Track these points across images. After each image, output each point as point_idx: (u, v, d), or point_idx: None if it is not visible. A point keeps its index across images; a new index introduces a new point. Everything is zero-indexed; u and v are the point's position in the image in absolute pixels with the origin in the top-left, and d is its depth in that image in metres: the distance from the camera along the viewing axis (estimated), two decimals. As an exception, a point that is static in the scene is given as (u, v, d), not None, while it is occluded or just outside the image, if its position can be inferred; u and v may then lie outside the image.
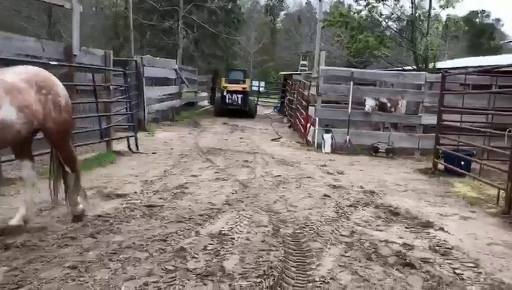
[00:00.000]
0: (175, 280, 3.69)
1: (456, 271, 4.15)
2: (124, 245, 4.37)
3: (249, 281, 3.72)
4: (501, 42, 45.51)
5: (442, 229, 5.46)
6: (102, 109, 9.46)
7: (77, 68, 8.68)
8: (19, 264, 3.80)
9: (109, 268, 3.84)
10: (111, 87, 9.90)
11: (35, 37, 9.61)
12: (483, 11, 62.64)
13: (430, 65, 18.00)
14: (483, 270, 4.20)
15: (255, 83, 34.27)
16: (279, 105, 28.18)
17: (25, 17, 31.52)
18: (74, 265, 3.83)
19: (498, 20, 65.88)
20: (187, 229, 4.96)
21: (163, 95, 17.73)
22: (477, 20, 60.15)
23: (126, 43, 25.76)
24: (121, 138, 10.29)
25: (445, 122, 9.59)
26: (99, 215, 5.28)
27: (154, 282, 3.62)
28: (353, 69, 13.27)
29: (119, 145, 10.23)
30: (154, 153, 10.20)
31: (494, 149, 7.95)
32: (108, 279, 3.63)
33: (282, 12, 63.33)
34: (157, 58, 18.15)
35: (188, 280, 3.69)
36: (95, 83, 8.82)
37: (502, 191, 6.66)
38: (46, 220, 5.03)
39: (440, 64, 19.67)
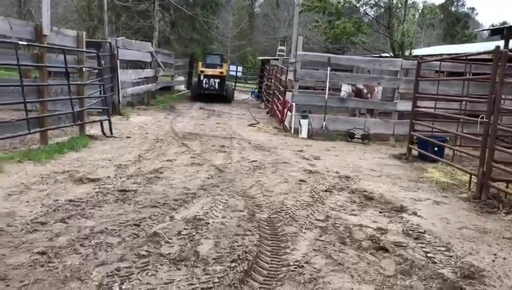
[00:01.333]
0: (148, 265, 3.63)
1: (428, 255, 4.21)
2: (96, 230, 4.27)
3: (224, 265, 3.69)
4: (475, 30, 46.29)
5: (415, 213, 5.55)
6: (75, 91, 9.21)
7: (48, 49, 8.39)
8: (-15, 250, 3.68)
9: (80, 253, 3.74)
10: (84, 69, 9.63)
11: (4, 16, 9.22)
12: (458, 0, 63.55)
13: (407, 52, 18.19)
14: (454, 254, 4.28)
15: (233, 67, 34.01)
16: (256, 90, 28.07)
17: (-7, -4, 30.47)
18: (43, 251, 3.72)
19: (473, 9, 67.25)
20: (161, 214, 4.89)
21: (139, 78, 17.38)
22: (452, 8, 61.01)
23: (101, 25, 25.12)
24: (94, 121, 10.07)
25: (419, 109, 9.69)
26: (70, 200, 5.15)
27: (126, 267, 3.55)
28: (330, 55, 13.27)
29: (93, 129, 10.03)
30: (129, 137, 10.03)
31: (467, 135, 8.09)
32: (78, 264, 3.54)
33: (261, -3, 62.74)
34: (133, 40, 17.78)
35: (161, 265, 3.64)
36: (67, 64, 8.56)
37: (473, 177, 6.79)
38: (14, 204, 4.87)
39: (416, 52, 19.91)
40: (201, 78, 21.45)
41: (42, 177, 6.06)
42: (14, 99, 7.38)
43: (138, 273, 3.49)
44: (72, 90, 8.80)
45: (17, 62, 7.15)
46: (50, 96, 8.46)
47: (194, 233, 4.37)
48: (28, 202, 5.02)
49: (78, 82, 9.48)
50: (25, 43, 7.77)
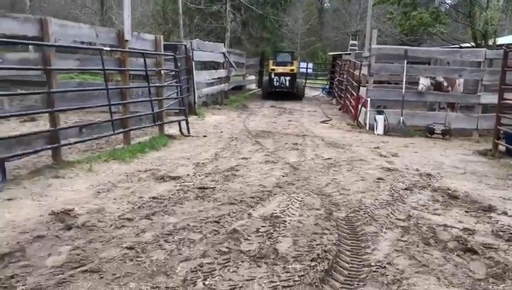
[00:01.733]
0: (229, 261, 3.70)
1: (523, 258, 3.92)
2: (178, 226, 4.43)
3: (303, 264, 3.68)
4: None
5: (505, 213, 5.19)
6: (154, 93, 9.62)
7: (129, 53, 8.83)
8: (80, 244, 3.94)
9: (165, 249, 3.90)
10: (162, 71, 10.04)
11: (89, 24, 9.85)
12: (548, -19, 58.50)
13: (490, 41, 17.04)
14: (554, 258, 3.95)
15: (303, 64, 33.84)
16: (327, 86, 27.72)
17: (79, 6, 32.66)
18: (131, 246, 3.92)
19: None
20: (239, 211, 4.98)
21: (212, 78, 17.84)
22: (541, -9, 56.23)
23: (175, 28, 26.02)
24: (172, 121, 10.46)
25: (507, 101, 9.05)
26: (154, 197, 5.39)
27: (208, 263, 3.65)
28: (407, 47, 12.77)
29: (171, 129, 10.43)
30: (205, 136, 10.32)
31: None
32: (164, 260, 3.70)
33: (331, -8, 61.80)
34: (206, 42, 18.24)
35: (242, 262, 3.70)
36: (146, 67, 8.96)
37: None
38: (103, 201, 5.19)
39: (501, 40, 18.58)
40: (272, 76, 21.60)
41: (127, 176, 6.40)
42: (100, 102, 7.85)
43: (220, 269, 3.57)
44: (151, 92, 9.20)
45: (102, 67, 7.60)
46: (132, 99, 8.91)
47: (272, 231, 4.39)
48: (115, 199, 5.32)
49: (157, 84, 9.89)
50: (109, 48, 8.23)
